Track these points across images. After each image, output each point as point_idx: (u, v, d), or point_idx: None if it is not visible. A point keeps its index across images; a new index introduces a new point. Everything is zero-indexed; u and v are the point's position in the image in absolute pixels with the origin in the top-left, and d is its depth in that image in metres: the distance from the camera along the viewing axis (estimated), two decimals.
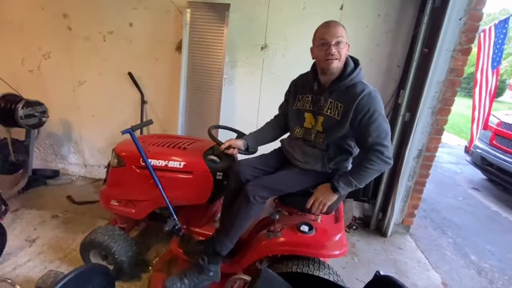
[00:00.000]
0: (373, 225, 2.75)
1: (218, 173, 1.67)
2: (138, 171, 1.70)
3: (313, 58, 1.47)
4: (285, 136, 1.75)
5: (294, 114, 1.60)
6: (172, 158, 1.67)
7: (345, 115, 1.38)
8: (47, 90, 3.03)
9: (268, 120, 1.83)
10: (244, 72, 2.76)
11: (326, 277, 1.40)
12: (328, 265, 1.51)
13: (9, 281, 1.68)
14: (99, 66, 2.92)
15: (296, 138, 1.57)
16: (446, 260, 2.47)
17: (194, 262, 1.58)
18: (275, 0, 2.52)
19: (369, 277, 1.13)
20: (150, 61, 2.84)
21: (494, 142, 3.91)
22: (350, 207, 2.72)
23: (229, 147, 1.65)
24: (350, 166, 1.55)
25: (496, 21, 2.46)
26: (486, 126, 2.76)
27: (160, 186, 1.63)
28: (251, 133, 1.76)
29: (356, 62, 1.44)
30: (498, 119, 3.96)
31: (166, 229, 1.63)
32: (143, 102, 2.93)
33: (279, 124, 1.76)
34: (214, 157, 1.71)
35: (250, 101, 2.82)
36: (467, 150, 4.29)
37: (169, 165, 1.66)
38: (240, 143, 1.67)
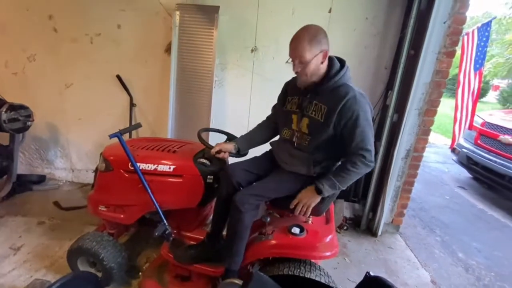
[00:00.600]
0: (363, 225, 2.78)
1: (208, 177, 1.65)
2: (126, 175, 1.67)
3: None
4: (276, 138, 1.75)
5: (283, 116, 1.60)
6: (161, 161, 1.65)
7: (328, 118, 1.37)
8: (32, 93, 2.96)
9: (259, 122, 1.82)
10: (234, 74, 2.76)
11: (317, 278, 1.40)
12: (319, 266, 1.52)
13: None
14: (87, 68, 2.86)
15: (284, 140, 1.57)
16: (435, 258, 2.52)
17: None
18: (264, 3, 2.53)
19: (360, 277, 1.14)
20: (139, 64, 2.80)
21: (479, 141, 4.02)
22: (340, 208, 2.74)
23: (219, 151, 1.64)
24: None
25: (479, 24, 2.54)
26: (471, 126, 2.83)
27: (149, 191, 1.61)
28: (242, 136, 1.75)
29: (342, 63, 1.43)
30: (482, 119, 4.08)
31: (156, 234, 1.61)
32: (132, 105, 2.90)
33: (270, 126, 1.76)
34: (204, 160, 1.69)
35: (241, 104, 2.82)
36: (452, 150, 4.40)
37: (158, 169, 1.63)
38: (231, 146, 1.66)
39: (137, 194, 1.65)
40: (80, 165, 3.24)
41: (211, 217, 1.78)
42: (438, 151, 6.27)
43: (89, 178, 3.21)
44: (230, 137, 1.81)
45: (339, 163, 1.55)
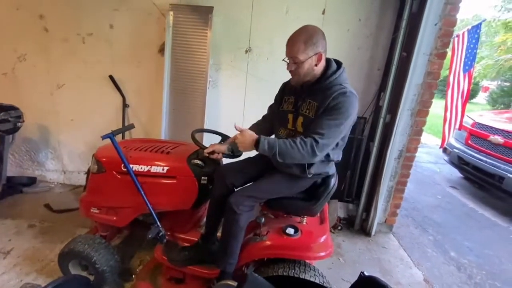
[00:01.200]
0: (357, 225, 2.80)
1: (203, 178, 1.64)
2: (119, 177, 1.65)
3: None
4: None
5: (279, 116, 1.60)
6: (155, 163, 1.63)
7: (317, 112, 1.36)
8: (23, 93, 2.91)
9: (253, 123, 1.81)
10: (228, 75, 2.75)
11: (312, 279, 1.41)
12: (314, 267, 1.52)
13: None
14: (79, 69, 2.82)
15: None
16: (428, 257, 2.55)
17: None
18: (258, 4, 2.53)
19: (354, 277, 1.15)
20: (132, 64, 2.78)
21: (469, 142, 4.08)
22: (334, 208, 2.76)
23: (212, 152, 1.63)
24: (331, 171, 1.55)
25: (469, 27, 2.58)
26: (460, 127, 2.88)
27: (142, 192, 1.59)
28: None
29: (339, 64, 1.44)
30: (473, 120, 4.15)
31: (150, 236, 1.59)
32: (125, 105, 2.87)
33: (265, 126, 1.75)
34: (198, 161, 1.68)
35: (235, 104, 2.81)
36: (443, 150, 4.46)
37: (152, 170, 1.62)
38: (224, 147, 1.65)
39: (130, 196, 1.63)
40: (71, 167, 3.19)
41: (205, 218, 1.77)
42: (430, 151, 6.36)
43: (81, 180, 3.16)
44: (224, 138, 1.80)
45: (333, 162, 1.55)
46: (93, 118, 2.97)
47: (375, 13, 2.49)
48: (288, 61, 1.38)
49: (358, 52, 2.59)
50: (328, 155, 1.46)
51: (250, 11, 2.55)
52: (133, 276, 1.93)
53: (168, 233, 1.72)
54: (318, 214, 1.70)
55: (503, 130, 3.65)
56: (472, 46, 2.57)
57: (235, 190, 1.55)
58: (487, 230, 3.18)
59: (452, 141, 4.37)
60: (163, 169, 1.63)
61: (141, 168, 1.62)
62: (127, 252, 2.12)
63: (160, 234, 1.63)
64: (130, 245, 2.20)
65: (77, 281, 1.33)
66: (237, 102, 2.81)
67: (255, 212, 1.72)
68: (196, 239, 1.68)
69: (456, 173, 4.80)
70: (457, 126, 2.79)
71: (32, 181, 3.08)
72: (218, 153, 1.64)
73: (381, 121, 2.47)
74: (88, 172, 1.92)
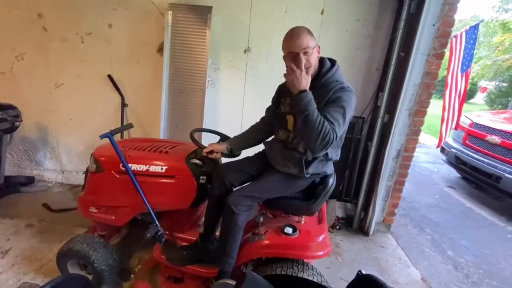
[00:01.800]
0: (355, 224, 2.81)
1: (201, 177, 1.65)
2: (118, 176, 1.65)
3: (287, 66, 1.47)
4: (270, 138, 1.75)
5: (277, 117, 1.60)
6: (153, 162, 1.64)
7: None
8: (21, 93, 2.90)
9: (252, 122, 1.82)
10: (227, 75, 2.75)
11: (310, 278, 1.41)
12: (312, 266, 1.53)
13: None
14: (77, 68, 2.82)
15: (279, 140, 1.57)
16: (425, 257, 2.56)
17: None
18: (257, 4, 2.54)
19: (352, 276, 1.15)
20: (131, 63, 2.77)
21: (467, 142, 4.10)
22: (333, 207, 2.77)
23: (211, 151, 1.64)
24: (329, 171, 1.55)
25: (467, 27, 2.59)
26: (457, 127, 2.90)
27: (141, 192, 1.60)
28: (235, 137, 1.75)
29: (332, 62, 1.45)
30: (471, 120, 4.17)
31: (148, 235, 1.59)
32: (124, 105, 2.87)
33: (264, 128, 1.74)
34: (197, 161, 1.68)
35: (234, 104, 2.82)
36: (441, 149, 4.48)
37: (150, 170, 1.62)
38: (223, 147, 1.66)
39: (128, 195, 1.64)
40: (70, 166, 3.19)
41: (203, 218, 1.77)
42: (428, 151, 6.38)
43: (80, 179, 3.16)
44: (223, 138, 1.81)
45: (331, 162, 1.56)
46: (91, 118, 2.97)
47: (373, 13, 2.49)
48: (295, 59, 1.33)
49: (356, 52, 2.60)
50: (326, 154, 1.47)
51: (249, 11, 2.56)
52: (132, 275, 1.93)
53: (167, 232, 1.73)
54: (316, 214, 1.70)
55: (500, 130, 3.67)
56: (470, 46, 2.59)
57: (234, 189, 1.55)
58: (484, 230, 3.19)
59: (450, 141, 4.40)
60: (161, 169, 1.63)
61: (140, 167, 1.62)
62: (125, 251, 2.12)
63: (158, 234, 1.63)
64: (129, 244, 2.20)
65: (75, 281, 1.33)
66: (236, 102, 2.81)
67: (254, 212, 1.72)
68: (195, 238, 1.68)
69: (453, 173, 4.82)
70: (453, 126, 2.81)
71: (30, 180, 3.07)
72: (217, 153, 1.65)
73: (379, 121, 2.48)
74: (86, 172, 1.91)
